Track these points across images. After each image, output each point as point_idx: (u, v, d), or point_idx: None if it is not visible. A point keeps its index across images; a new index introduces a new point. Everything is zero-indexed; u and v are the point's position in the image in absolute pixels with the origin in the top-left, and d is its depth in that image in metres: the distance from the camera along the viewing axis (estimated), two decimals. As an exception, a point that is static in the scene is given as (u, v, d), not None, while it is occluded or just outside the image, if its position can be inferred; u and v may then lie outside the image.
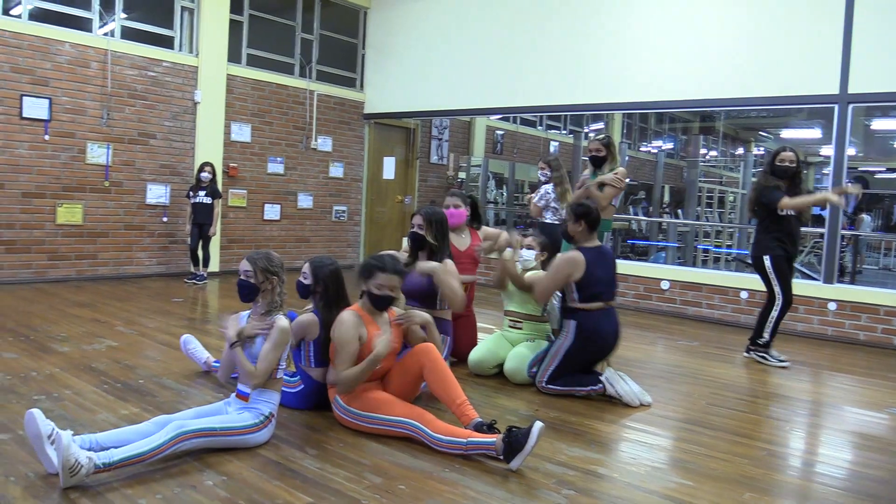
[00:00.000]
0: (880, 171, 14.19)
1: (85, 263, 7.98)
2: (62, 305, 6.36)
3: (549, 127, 13.66)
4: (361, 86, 10.82)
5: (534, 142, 13.51)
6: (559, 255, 4.45)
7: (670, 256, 10.27)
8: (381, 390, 3.41)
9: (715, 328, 7.11)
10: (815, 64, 6.90)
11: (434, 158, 11.80)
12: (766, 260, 5.43)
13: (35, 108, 7.46)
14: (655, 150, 14.33)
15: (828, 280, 6.93)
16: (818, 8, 6.92)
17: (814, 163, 14.45)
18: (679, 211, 12.69)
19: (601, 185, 5.35)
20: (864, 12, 6.63)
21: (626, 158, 11.63)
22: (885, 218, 13.47)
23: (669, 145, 14.87)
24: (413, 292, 4.36)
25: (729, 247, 11.23)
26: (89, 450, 2.68)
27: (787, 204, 5.26)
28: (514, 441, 2.96)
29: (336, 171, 10.46)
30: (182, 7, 8.70)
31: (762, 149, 15.06)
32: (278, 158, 9.73)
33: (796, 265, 5.62)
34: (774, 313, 5.45)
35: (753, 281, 6.28)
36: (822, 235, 7.11)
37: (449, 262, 4.36)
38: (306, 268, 3.61)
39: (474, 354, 4.63)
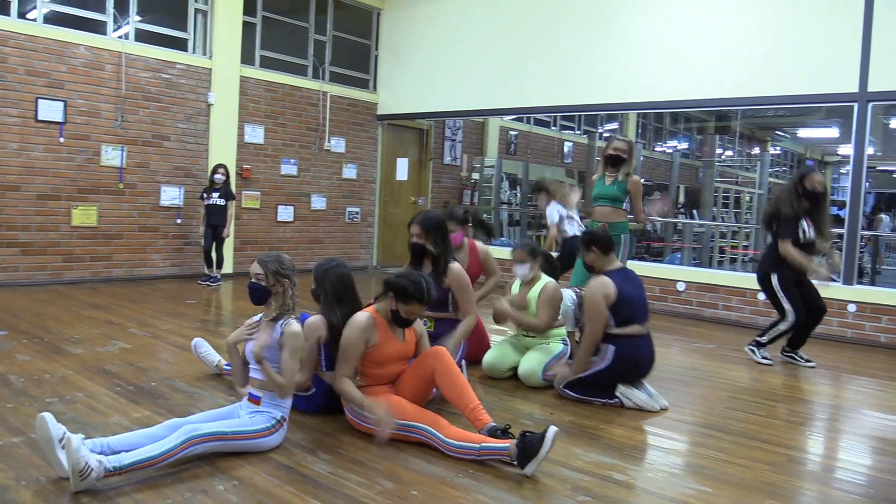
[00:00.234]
0: (900, 171, 14.00)
1: (100, 265, 8.02)
2: (77, 307, 6.38)
3: (563, 127, 13.59)
4: (375, 87, 10.80)
5: (548, 142, 13.45)
6: (587, 293, 4.14)
7: (686, 257, 10.18)
8: (394, 394, 3.38)
9: (732, 330, 7.02)
10: (835, 62, 6.80)
11: (447, 159, 11.77)
12: (774, 277, 5.41)
13: (50, 110, 7.49)
14: (670, 151, 14.23)
15: (847, 281, 6.82)
16: (837, 5, 6.81)
17: (831, 162, 14.29)
18: (694, 211, 12.59)
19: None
20: (884, 9, 6.52)
21: (641, 158, 11.55)
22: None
23: (685, 145, 14.76)
24: None
25: (745, 248, 11.12)
26: (100, 453, 2.67)
27: (790, 252, 5.24)
28: (528, 446, 2.91)
29: (349, 172, 10.45)
30: (196, 9, 8.72)
31: (778, 148, 14.91)
32: (292, 160, 9.74)
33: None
34: (783, 326, 5.43)
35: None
36: (841, 236, 7.00)
37: (455, 267, 4.25)
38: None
39: (488, 357, 4.60)
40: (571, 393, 4.14)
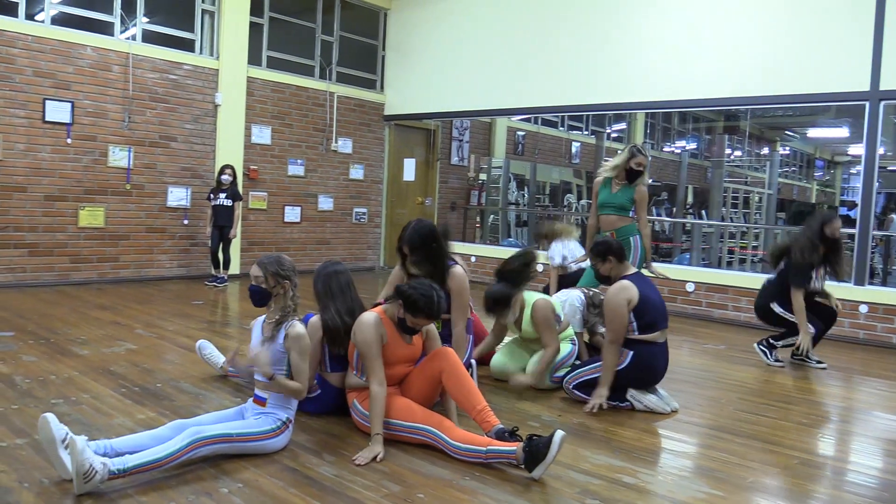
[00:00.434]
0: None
1: (107, 266, 8.02)
2: (83, 308, 6.38)
3: (571, 127, 13.53)
4: (382, 87, 10.79)
5: (555, 142, 13.39)
6: (608, 297, 4.03)
7: (695, 258, 10.11)
8: (400, 395, 3.34)
9: (742, 331, 6.95)
10: (846, 60, 6.73)
11: (455, 160, 11.73)
12: (775, 306, 5.46)
13: (57, 111, 7.50)
14: (679, 151, 14.15)
15: (859, 282, 6.75)
16: (848, 2, 6.75)
17: (842, 162, 14.18)
18: (703, 212, 12.50)
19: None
20: (896, 7, 6.46)
21: (650, 159, 11.48)
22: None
23: (693, 145, 14.67)
24: None
25: (755, 248, 11.03)
26: (104, 455, 2.65)
27: (798, 304, 5.26)
28: (536, 450, 2.87)
29: (356, 172, 10.43)
30: (203, 10, 8.72)
31: (787, 148, 14.80)
32: (298, 161, 9.72)
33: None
34: (792, 339, 5.39)
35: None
36: (852, 236, 6.93)
37: (456, 271, 4.03)
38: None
39: (497, 359, 4.56)
40: (581, 394, 4.09)
